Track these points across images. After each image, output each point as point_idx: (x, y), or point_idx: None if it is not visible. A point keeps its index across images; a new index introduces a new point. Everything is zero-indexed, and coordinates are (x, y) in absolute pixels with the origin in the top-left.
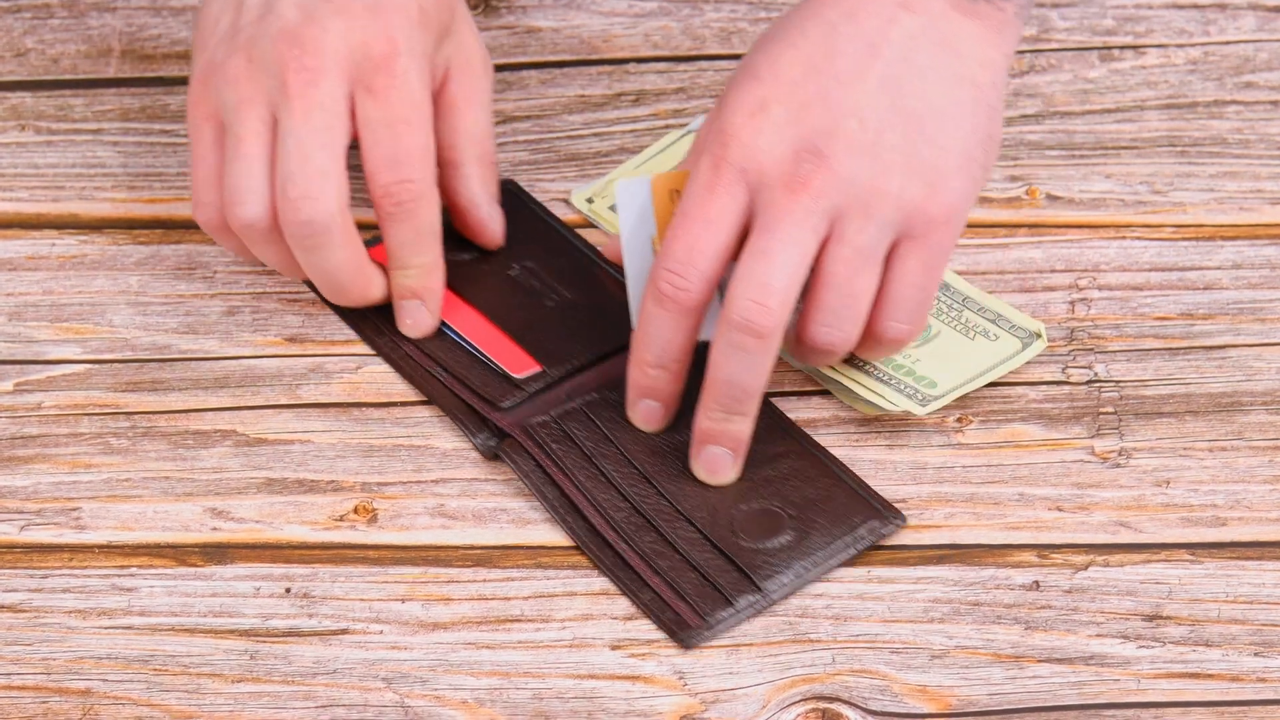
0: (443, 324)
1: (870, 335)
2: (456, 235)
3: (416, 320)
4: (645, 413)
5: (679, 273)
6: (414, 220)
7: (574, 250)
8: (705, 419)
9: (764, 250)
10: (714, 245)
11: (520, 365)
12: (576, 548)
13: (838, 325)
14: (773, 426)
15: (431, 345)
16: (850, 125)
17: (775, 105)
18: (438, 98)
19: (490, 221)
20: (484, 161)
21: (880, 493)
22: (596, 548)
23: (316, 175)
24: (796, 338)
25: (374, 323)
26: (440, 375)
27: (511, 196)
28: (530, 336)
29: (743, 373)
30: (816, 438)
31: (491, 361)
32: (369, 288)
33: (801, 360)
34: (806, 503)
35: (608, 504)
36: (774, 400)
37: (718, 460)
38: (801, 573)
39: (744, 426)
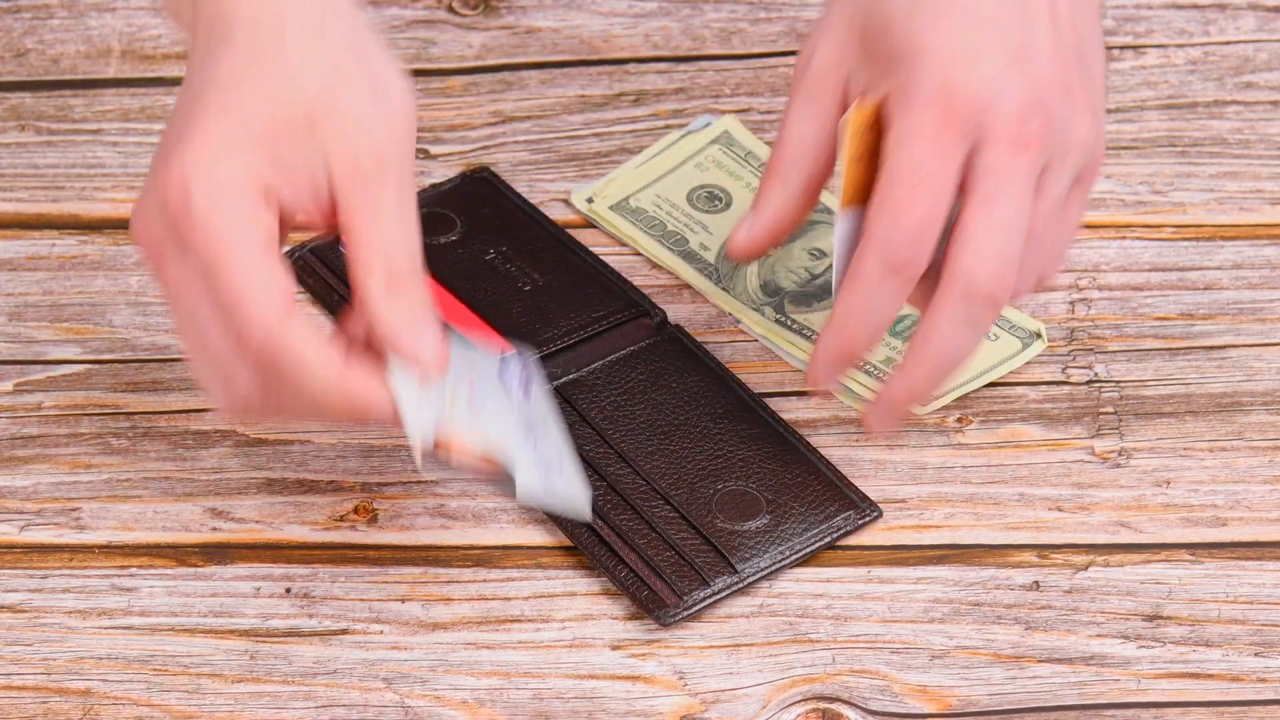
0: None
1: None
2: (434, 219)
3: None
4: (832, 378)
5: (913, 244)
6: (279, 371)
7: (548, 236)
8: (905, 391)
9: (1004, 225)
10: (943, 212)
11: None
12: (575, 548)
13: (1028, 275)
14: (748, 406)
15: None
16: (1051, 68)
17: (989, 50)
18: (336, 215)
19: (416, 353)
20: (394, 282)
21: (880, 492)
22: (572, 525)
23: (223, 350)
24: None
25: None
26: None
27: (484, 184)
28: (505, 319)
29: (968, 344)
30: (816, 438)
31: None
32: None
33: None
34: (783, 487)
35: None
36: (774, 401)
37: (895, 421)
38: (778, 557)
39: (935, 389)
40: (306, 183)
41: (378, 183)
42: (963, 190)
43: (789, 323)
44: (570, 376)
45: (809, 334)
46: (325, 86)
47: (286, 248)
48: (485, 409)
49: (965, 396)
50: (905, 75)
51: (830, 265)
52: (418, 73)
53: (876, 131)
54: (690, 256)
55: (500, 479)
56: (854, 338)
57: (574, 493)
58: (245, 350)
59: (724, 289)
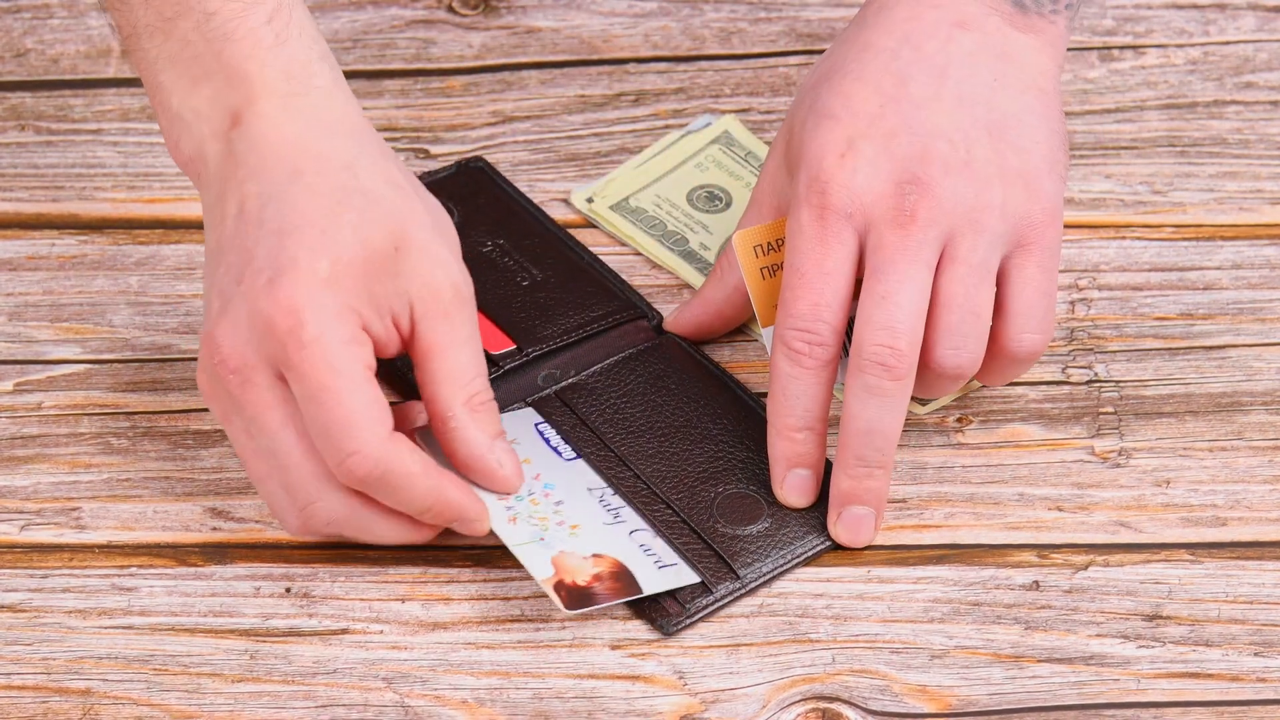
0: None
1: (1003, 354)
2: None
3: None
4: (798, 485)
5: (809, 329)
6: (384, 490)
7: (545, 231)
8: (845, 478)
9: (884, 294)
10: (837, 297)
11: (495, 342)
12: None
13: (964, 346)
14: (747, 407)
15: None
16: (941, 147)
17: (862, 141)
18: (412, 345)
19: (498, 469)
20: (473, 405)
21: None
22: None
23: (306, 475)
24: (923, 366)
25: None
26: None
27: (479, 174)
28: (505, 314)
29: (881, 418)
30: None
31: None
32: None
33: (928, 393)
34: None
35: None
36: None
37: (860, 522)
38: (779, 562)
39: (884, 482)
40: (390, 314)
41: (457, 313)
42: (861, 272)
43: None
44: (569, 380)
45: None
46: (404, 222)
47: None
48: (578, 520)
49: (965, 396)
50: (793, 180)
51: None
52: (418, 73)
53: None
54: (690, 256)
55: (626, 583)
56: (790, 434)
57: (679, 566)
58: (342, 473)
59: None
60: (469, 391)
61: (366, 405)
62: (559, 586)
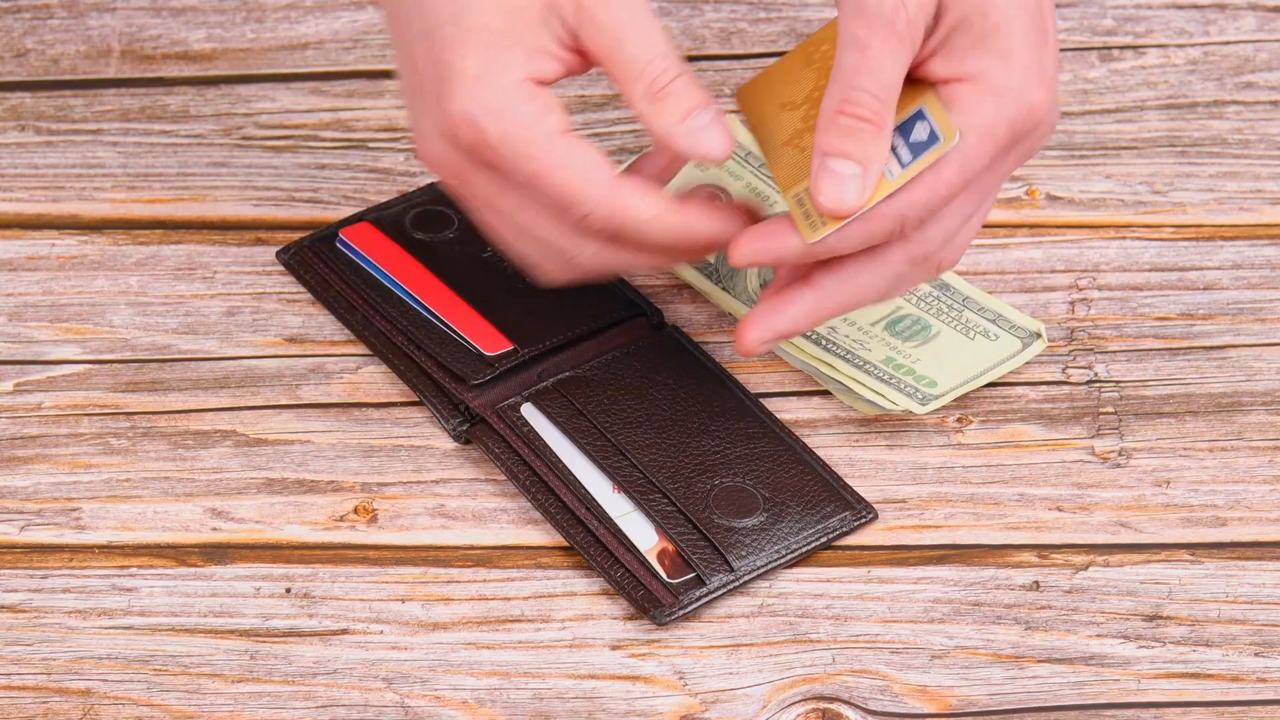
0: (416, 300)
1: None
2: (433, 214)
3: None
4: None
5: (936, 228)
6: (628, 237)
7: None
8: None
9: (978, 223)
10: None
11: (493, 343)
12: (575, 547)
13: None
14: (745, 406)
15: (404, 322)
16: (1055, 80)
17: (1042, 76)
18: (586, 55)
19: (694, 147)
20: (653, 93)
21: (880, 492)
22: (569, 525)
23: (556, 236)
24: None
25: (347, 300)
26: (412, 352)
27: None
28: (503, 315)
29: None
30: (816, 438)
31: (464, 339)
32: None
33: None
34: (780, 486)
35: (580, 478)
36: (774, 401)
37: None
38: (773, 556)
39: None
40: (559, 46)
41: (605, 11)
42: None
43: None
44: (567, 373)
45: (809, 334)
46: None
47: (279, 247)
48: None
49: (965, 396)
50: (993, 76)
51: None
52: None
53: (788, 111)
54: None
55: None
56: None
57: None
58: (585, 234)
59: (724, 289)
60: (645, 81)
61: (578, 170)
62: (662, 555)
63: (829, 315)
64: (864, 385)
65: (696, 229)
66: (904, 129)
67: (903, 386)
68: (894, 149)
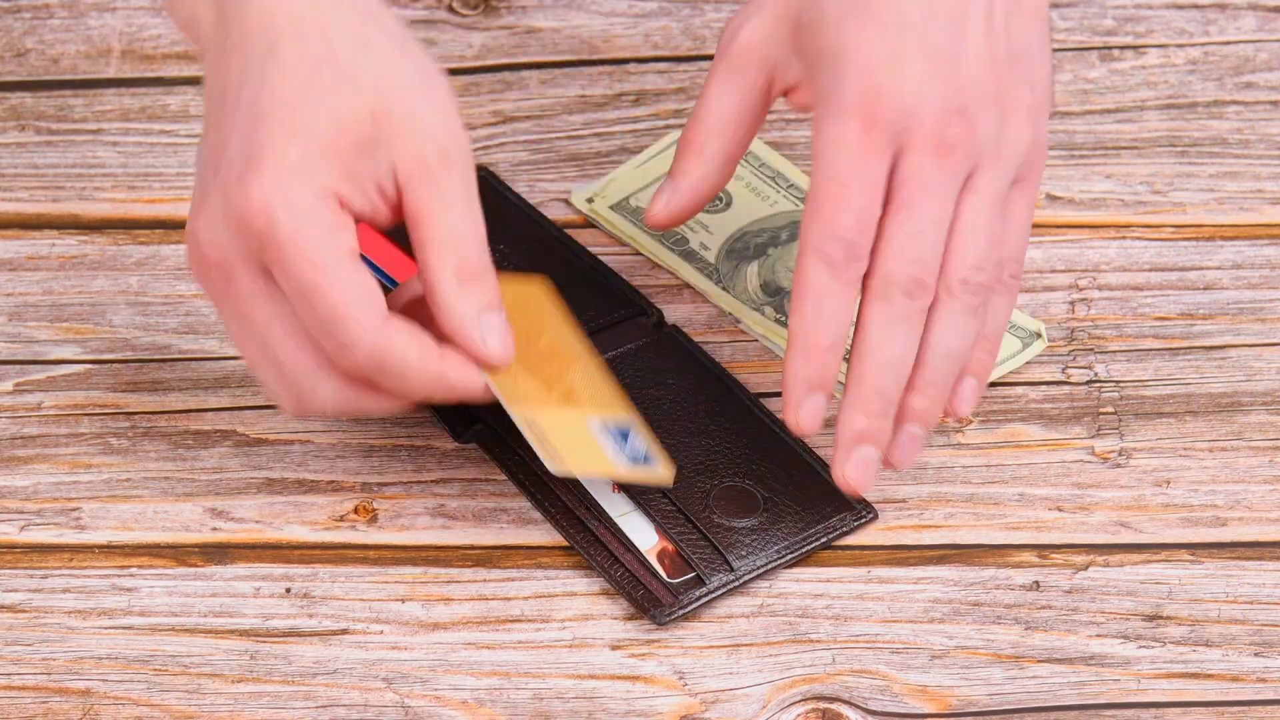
0: None
1: None
2: None
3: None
4: (814, 411)
5: (854, 240)
6: (382, 378)
7: (547, 236)
8: (862, 416)
9: (919, 231)
10: (875, 213)
11: None
12: (575, 547)
13: (982, 266)
14: (744, 406)
15: None
16: (979, 75)
17: (912, 57)
18: (403, 215)
19: (480, 344)
20: (463, 272)
21: (880, 492)
22: (569, 525)
23: (299, 367)
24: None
25: None
26: None
27: (481, 182)
28: None
29: (907, 349)
30: (816, 438)
31: None
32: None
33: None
34: (779, 486)
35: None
36: (773, 401)
37: (871, 465)
38: (773, 556)
39: (892, 421)
40: (374, 186)
41: (444, 176)
42: (886, 195)
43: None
44: None
45: None
46: (382, 89)
47: None
48: None
49: None
50: (830, 81)
51: None
52: None
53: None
54: (690, 256)
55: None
56: (819, 354)
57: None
58: (342, 360)
59: (724, 289)
60: (458, 258)
61: (355, 295)
62: (662, 555)
63: (875, 398)
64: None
65: (453, 379)
66: (620, 435)
67: None
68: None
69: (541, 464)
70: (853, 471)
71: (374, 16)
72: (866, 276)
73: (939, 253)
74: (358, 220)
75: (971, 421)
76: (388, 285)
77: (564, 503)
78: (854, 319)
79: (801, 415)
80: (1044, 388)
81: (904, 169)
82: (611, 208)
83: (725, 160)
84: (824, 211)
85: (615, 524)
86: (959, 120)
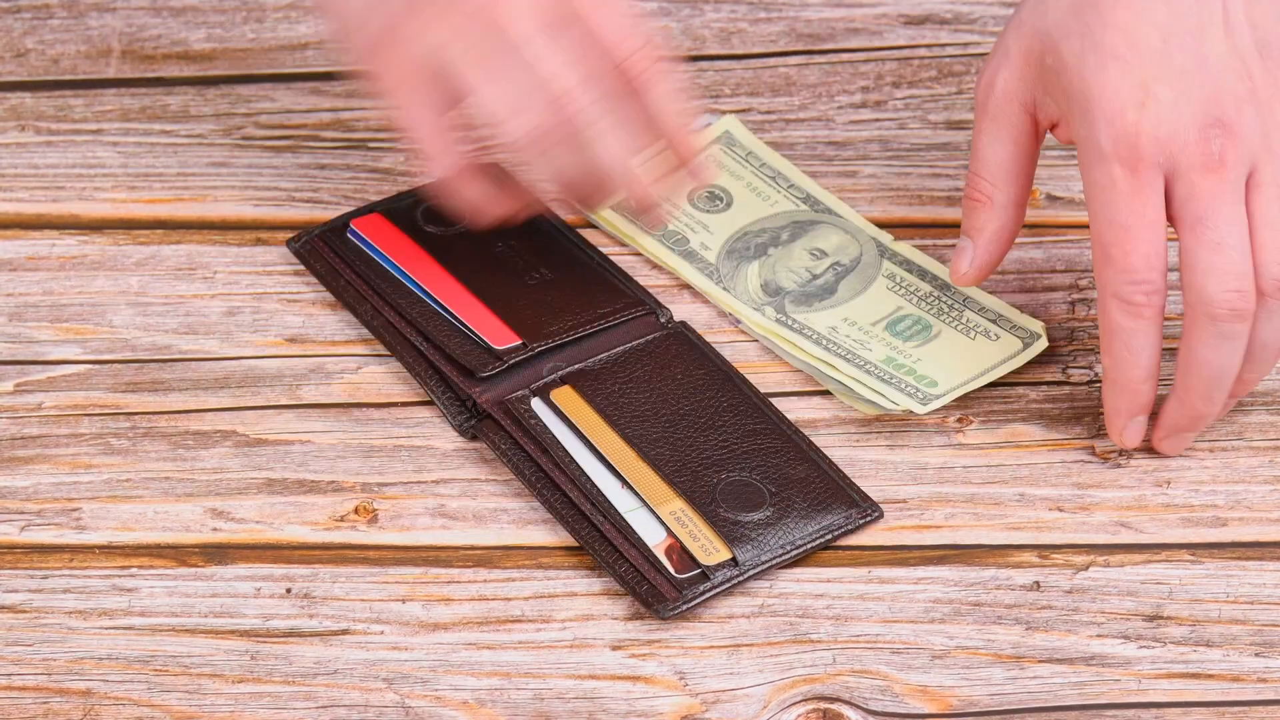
0: (425, 292)
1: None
2: (442, 208)
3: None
4: (1136, 431)
5: (1146, 279)
6: (663, 84)
7: (556, 232)
8: (1187, 413)
9: (1219, 242)
10: (1161, 244)
11: (501, 337)
12: (577, 548)
13: None
14: (752, 403)
15: (413, 313)
16: (1230, 81)
17: (1157, 85)
18: None
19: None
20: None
21: (881, 492)
22: (575, 521)
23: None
24: (1259, 292)
25: (356, 290)
26: (420, 344)
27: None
28: (512, 310)
29: (1229, 360)
30: (817, 438)
31: (472, 332)
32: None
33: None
34: (786, 482)
35: (588, 473)
36: (774, 400)
37: (1184, 442)
38: (778, 551)
39: (1218, 407)
40: None
41: None
42: (1172, 218)
43: (789, 322)
44: (576, 366)
45: (810, 334)
46: None
47: (293, 235)
48: None
49: (966, 396)
50: (1084, 127)
51: (830, 264)
52: None
53: None
54: (691, 256)
55: None
56: (1135, 386)
57: None
58: (618, 83)
59: (725, 289)
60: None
61: (636, 19)
62: (670, 550)
63: (1203, 404)
64: (865, 385)
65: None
66: None
67: (903, 386)
68: None
69: (552, 459)
70: (1168, 448)
71: None
72: (1185, 298)
73: (1248, 258)
74: None
75: (972, 421)
76: (402, 279)
77: (569, 498)
78: (1161, 338)
79: (1127, 437)
80: (1044, 388)
81: (1180, 192)
82: (612, 208)
83: (1016, 206)
84: (1114, 256)
85: (623, 519)
86: (1220, 133)
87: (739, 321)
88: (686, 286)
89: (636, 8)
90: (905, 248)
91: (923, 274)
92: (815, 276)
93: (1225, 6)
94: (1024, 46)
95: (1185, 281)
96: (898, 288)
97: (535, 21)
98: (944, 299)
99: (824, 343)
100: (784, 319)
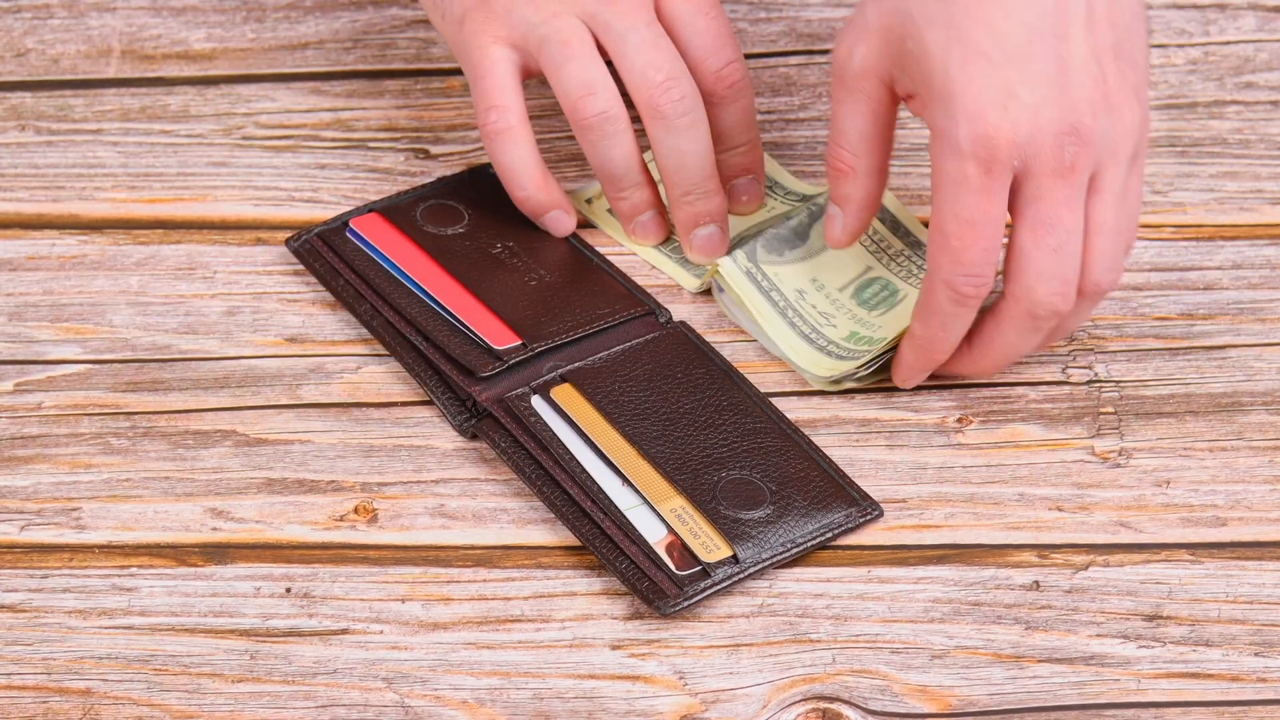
0: (424, 293)
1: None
2: (441, 210)
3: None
4: (918, 380)
5: (980, 274)
6: (745, 99)
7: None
8: (964, 368)
9: (1055, 248)
10: (999, 242)
11: (501, 338)
12: (577, 547)
13: (1117, 265)
14: (752, 401)
15: (412, 313)
16: (1087, 86)
17: (1020, 88)
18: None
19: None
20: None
21: (880, 492)
22: (575, 518)
23: (677, 60)
24: (1080, 292)
25: (355, 290)
26: (420, 343)
27: (492, 179)
28: (511, 311)
29: (1031, 345)
30: (818, 437)
31: (472, 332)
32: None
33: (1073, 321)
34: (786, 480)
35: (589, 470)
36: (774, 400)
37: (921, 377)
38: (779, 549)
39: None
40: None
41: None
42: (1013, 210)
43: (759, 277)
44: (576, 365)
45: (777, 298)
46: None
47: (291, 234)
48: None
49: (965, 396)
50: (943, 120)
51: (803, 212)
52: (418, 73)
53: None
54: (687, 261)
55: None
56: (933, 354)
57: None
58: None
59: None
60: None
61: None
62: (671, 547)
63: (986, 370)
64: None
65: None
66: None
67: (850, 355)
68: None
69: (552, 457)
70: (905, 376)
71: None
72: (1008, 289)
73: (1079, 262)
74: None
75: (972, 421)
76: (401, 279)
77: (570, 496)
78: (968, 326)
79: (908, 383)
80: (1044, 388)
81: (1029, 190)
82: (610, 209)
83: (879, 172)
84: (953, 247)
85: (624, 517)
86: (1073, 140)
87: (719, 288)
88: (683, 288)
89: (730, 25)
90: (889, 198)
91: (895, 227)
92: (789, 217)
93: (1089, 4)
94: (884, 23)
95: (1013, 275)
96: (870, 244)
97: (646, 13)
98: (915, 259)
99: (789, 313)
100: (754, 270)
